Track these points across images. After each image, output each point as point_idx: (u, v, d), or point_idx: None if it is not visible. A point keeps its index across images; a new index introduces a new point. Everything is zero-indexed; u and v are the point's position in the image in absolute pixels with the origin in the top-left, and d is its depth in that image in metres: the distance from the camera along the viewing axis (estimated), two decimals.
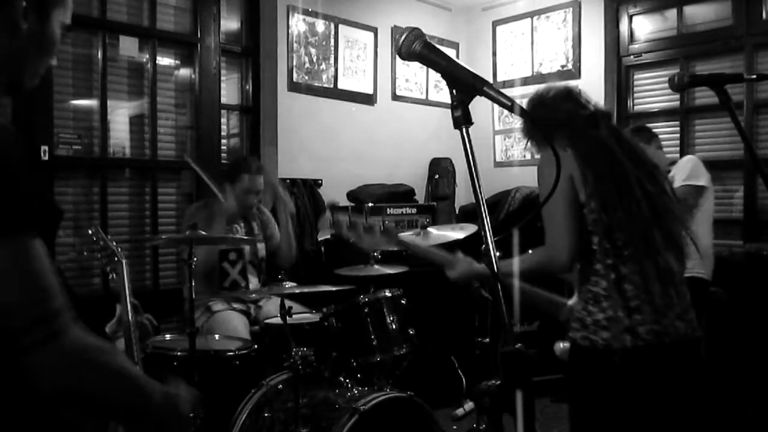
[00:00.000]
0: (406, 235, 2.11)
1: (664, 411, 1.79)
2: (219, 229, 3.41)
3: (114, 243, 2.36)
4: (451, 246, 3.31)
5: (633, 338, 1.75)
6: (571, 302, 2.09)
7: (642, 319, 1.76)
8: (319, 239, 4.48)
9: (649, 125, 4.82)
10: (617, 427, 1.80)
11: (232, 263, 3.53)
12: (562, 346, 2.19)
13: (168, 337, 3.01)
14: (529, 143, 2.13)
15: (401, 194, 4.86)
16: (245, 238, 3.53)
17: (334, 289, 2.84)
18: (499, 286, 1.07)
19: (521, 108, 1.10)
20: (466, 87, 1.11)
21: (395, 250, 2.21)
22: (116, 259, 2.29)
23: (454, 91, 1.12)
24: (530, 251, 1.88)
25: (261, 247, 3.67)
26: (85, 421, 1.09)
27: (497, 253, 1.08)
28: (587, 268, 1.86)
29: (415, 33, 1.16)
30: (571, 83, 5.20)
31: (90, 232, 2.40)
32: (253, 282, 3.58)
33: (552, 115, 2.01)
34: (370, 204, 4.34)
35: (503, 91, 1.12)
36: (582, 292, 1.88)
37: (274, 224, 3.79)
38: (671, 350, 1.79)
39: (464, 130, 1.10)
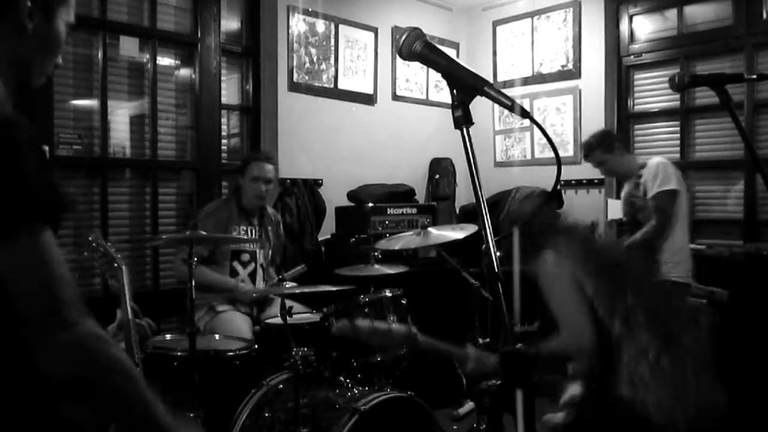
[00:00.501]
0: (422, 336, 2.16)
1: None
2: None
3: (113, 249, 2.37)
4: (452, 247, 3.31)
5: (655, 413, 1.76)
6: (573, 391, 2.14)
7: (658, 399, 1.78)
8: (320, 239, 4.49)
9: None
10: None
11: (244, 264, 3.53)
12: (552, 419, 2.21)
13: (168, 337, 3.01)
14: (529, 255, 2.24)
15: (401, 194, 4.86)
16: (244, 238, 3.53)
17: (334, 289, 2.84)
18: (500, 286, 1.07)
19: (522, 109, 1.10)
20: (466, 87, 1.11)
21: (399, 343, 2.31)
22: (116, 265, 2.30)
23: (454, 91, 1.12)
24: (552, 339, 1.94)
25: (265, 253, 3.66)
26: (87, 422, 1.09)
27: (497, 253, 1.08)
28: (609, 361, 1.89)
29: (416, 33, 1.16)
30: (572, 83, 5.25)
31: (90, 238, 2.41)
32: (261, 286, 3.58)
33: (541, 227, 2.20)
34: (370, 204, 4.35)
35: (503, 91, 1.13)
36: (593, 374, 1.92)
37: (280, 243, 3.80)
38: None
39: (465, 130, 1.10)
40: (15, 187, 0.96)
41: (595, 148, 3.84)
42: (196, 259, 2.67)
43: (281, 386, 2.64)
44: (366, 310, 2.73)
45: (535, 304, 2.13)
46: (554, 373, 2.15)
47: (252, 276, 3.55)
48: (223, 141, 4.35)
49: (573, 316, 1.88)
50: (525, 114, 1.12)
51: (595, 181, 4.84)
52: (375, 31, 5.09)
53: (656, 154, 4.74)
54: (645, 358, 1.80)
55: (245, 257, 3.53)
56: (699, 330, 1.97)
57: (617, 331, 1.84)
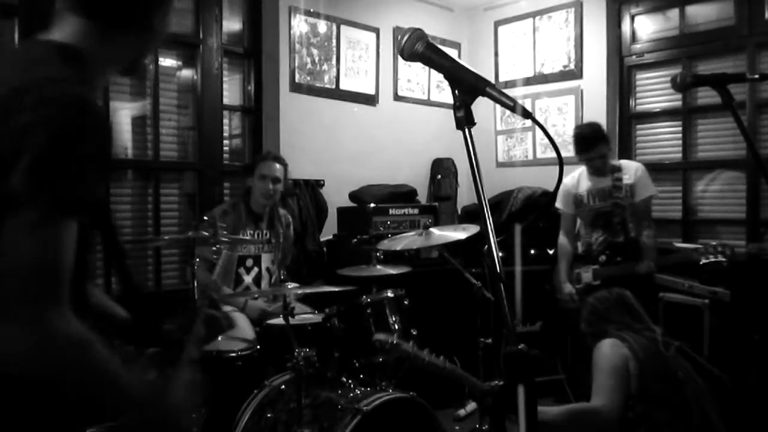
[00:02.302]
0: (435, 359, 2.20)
1: None
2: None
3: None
4: (454, 248, 3.31)
5: None
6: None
7: None
8: (321, 240, 4.49)
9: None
10: None
11: (248, 270, 3.53)
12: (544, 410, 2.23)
13: None
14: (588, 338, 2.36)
15: (403, 195, 4.86)
16: (245, 239, 3.52)
17: (336, 289, 2.85)
18: (502, 287, 1.07)
19: (524, 109, 1.10)
20: (468, 87, 1.11)
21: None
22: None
23: (456, 91, 1.12)
24: (581, 405, 2.02)
25: (275, 256, 3.65)
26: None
27: (500, 254, 1.08)
28: None
29: (418, 34, 1.16)
30: (573, 83, 5.24)
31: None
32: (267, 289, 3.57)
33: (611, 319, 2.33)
34: (372, 204, 4.34)
35: (505, 91, 1.12)
36: None
37: (290, 245, 3.79)
38: None
39: (467, 130, 1.10)
40: (56, 167, 0.97)
41: (603, 139, 3.81)
42: (198, 260, 2.67)
43: (283, 387, 2.64)
44: (368, 311, 2.73)
45: (537, 304, 2.16)
46: None
47: (257, 280, 3.54)
48: (225, 142, 4.35)
49: (610, 397, 1.94)
50: (527, 114, 1.12)
51: None
52: (376, 31, 5.09)
53: (658, 154, 4.75)
54: None
55: (249, 262, 3.53)
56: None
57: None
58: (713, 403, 2.08)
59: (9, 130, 0.98)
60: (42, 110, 0.99)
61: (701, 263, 3.45)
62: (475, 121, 1.11)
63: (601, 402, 1.96)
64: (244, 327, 3.28)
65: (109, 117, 1.17)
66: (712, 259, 3.41)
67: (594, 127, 3.91)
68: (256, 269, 3.55)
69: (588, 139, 3.82)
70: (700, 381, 2.14)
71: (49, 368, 0.97)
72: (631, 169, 3.82)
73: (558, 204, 3.98)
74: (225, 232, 3.05)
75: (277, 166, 3.56)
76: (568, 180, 3.96)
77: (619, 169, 3.82)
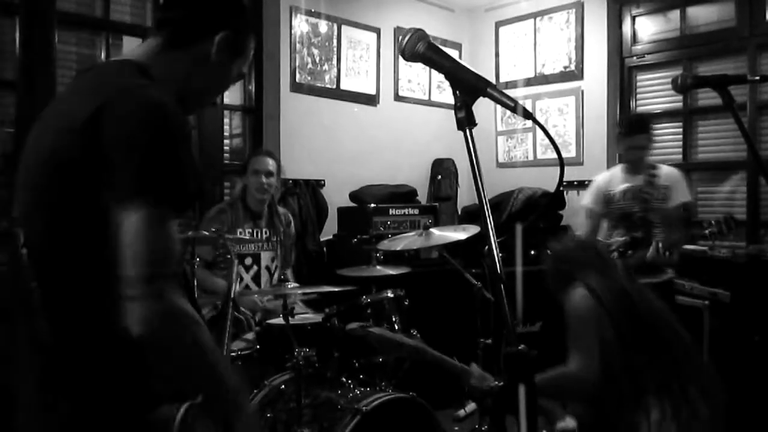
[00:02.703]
0: (432, 351, 2.21)
1: None
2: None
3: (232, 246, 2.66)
4: (454, 248, 3.31)
5: None
6: (569, 426, 2.16)
7: None
8: (321, 240, 4.49)
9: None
10: None
11: (247, 268, 3.53)
12: (562, 427, 2.23)
13: None
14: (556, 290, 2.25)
15: (403, 195, 4.86)
16: (246, 238, 3.51)
17: (336, 289, 2.84)
18: (502, 287, 1.07)
19: (524, 110, 1.10)
20: (469, 88, 1.11)
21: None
22: (228, 257, 2.42)
23: (457, 92, 1.12)
24: (558, 371, 1.96)
25: (275, 254, 3.65)
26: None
27: (500, 254, 1.08)
28: (616, 410, 1.89)
29: (419, 34, 1.16)
30: (574, 84, 5.24)
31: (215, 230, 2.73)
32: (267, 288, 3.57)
33: (574, 266, 2.21)
34: (372, 204, 4.35)
35: (506, 92, 1.12)
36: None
37: (293, 246, 3.78)
38: None
39: (468, 131, 1.10)
40: (163, 167, 1.09)
41: (647, 131, 3.63)
42: (198, 259, 2.67)
43: (283, 387, 2.64)
44: (368, 311, 2.73)
45: (537, 304, 2.15)
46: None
47: (256, 279, 3.54)
48: (226, 141, 4.36)
49: (586, 354, 1.90)
50: (527, 115, 1.12)
51: None
52: (377, 31, 5.09)
53: (659, 155, 4.75)
54: (647, 421, 1.83)
55: (248, 261, 3.52)
56: (718, 393, 2.00)
57: (624, 389, 1.86)
58: (686, 333, 2.05)
59: (110, 135, 1.09)
60: (137, 114, 1.10)
61: (706, 232, 3.33)
62: (476, 121, 1.11)
63: (578, 365, 1.92)
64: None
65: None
66: (715, 230, 3.30)
67: (643, 117, 3.80)
68: (255, 267, 3.55)
69: (633, 124, 3.67)
70: (670, 313, 2.08)
71: (164, 337, 1.08)
72: (668, 172, 3.65)
73: (586, 201, 3.84)
74: (218, 232, 3.05)
75: (269, 160, 3.56)
76: (600, 178, 3.83)
77: (655, 169, 3.65)
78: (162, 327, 1.07)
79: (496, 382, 2.03)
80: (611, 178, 3.78)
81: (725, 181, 4.50)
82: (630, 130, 3.63)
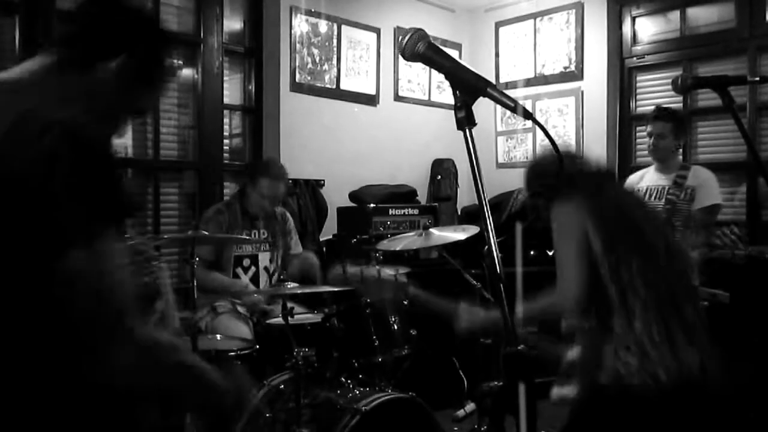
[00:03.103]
0: (414, 288, 2.18)
1: None
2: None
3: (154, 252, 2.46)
4: (453, 248, 3.31)
5: (655, 380, 1.76)
6: (571, 354, 2.12)
7: (662, 360, 1.78)
8: (321, 240, 4.48)
9: None
10: None
11: (245, 269, 3.52)
12: (557, 391, 2.20)
13: None
14: (538, 207, 2.20)
15: (403, 195, 4.86)
16: (247, 238, 3.51)
17: (335, 289, 2.84)
18: (502, 287, 1.07)
19: (524, 110, 1.10)
20: (469, 88, 1.11)
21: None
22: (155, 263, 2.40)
23: (457, 92, 1.12)
24: (544, 295, 1.93)
25: (273, 255, 3.64)
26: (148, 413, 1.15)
27: (500, 255, 1.08)
28: (607, 320, 1.87)
29: (419, 34, 1.16)
30: (574, 85, 5.24)
31: (133, 242, 2.55)
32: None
33: (560, 181, 2.09)
34: (372, 204, 4.34)
35: (506, 92, 1.12)
36: (596, 340, 1.90)
37: (296, 238, 3.77)
38: (692, 390, 1.79)
39: (468, 131, 1.10)
40: (87, 188, 0.98)
41: (667, 119, 3.51)
42: (198, 260, 2.67)
43: (282, 386, 2.64)
44: (368, 311, 2.73)
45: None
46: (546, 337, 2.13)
47: (254, 281, 3.53)
48: (225, 141, 4.35)
49: (572, 269, 1.86)
50: (528, 115, 1.12)
51: None
52: (377, 31, 5.09)
53: None
54: (635, 326, 1.80)
55: (246, 262, 3.51)
56: (698, 300, 1.98)
57: (613, 296, 1.83)
58: (673, 234, 2.02)
59: (21, 160, 0.97)
60: (50, 139, 0.97)
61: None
62: (476, 121, 1.11)
63: (564, 294, 1.87)
64: (243, 327, 3.28)
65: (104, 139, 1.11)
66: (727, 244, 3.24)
67: (668, 107, 3.66)
68: (253, 269, 3.54)
69: (656, 110, 3.59)
70: (656, 214, 2.05)
71: (151, 373, 1.03)
72: (698, 173, 3.53)
73: None
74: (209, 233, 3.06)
75: (281, 186, 3.51)
76: (633, 176, 3.78)
77: (686, 168, 3.56)
78: (142, 365, 1.00)
79: (486, 318, 2.00)
80: (643, 175, 3.70)
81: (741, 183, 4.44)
82: (652, 117, 3.55)
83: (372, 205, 4.34)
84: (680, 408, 1.78)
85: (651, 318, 1.80)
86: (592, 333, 1.91)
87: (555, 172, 2.10)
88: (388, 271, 2.08)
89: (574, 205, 1.93)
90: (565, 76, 5.16)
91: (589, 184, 2.04)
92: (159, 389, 1.06)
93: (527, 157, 5.37)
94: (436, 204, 4.91)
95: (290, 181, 4.36)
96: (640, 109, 4.89)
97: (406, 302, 2.23)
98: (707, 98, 4.54)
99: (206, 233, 2.97)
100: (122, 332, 0.98)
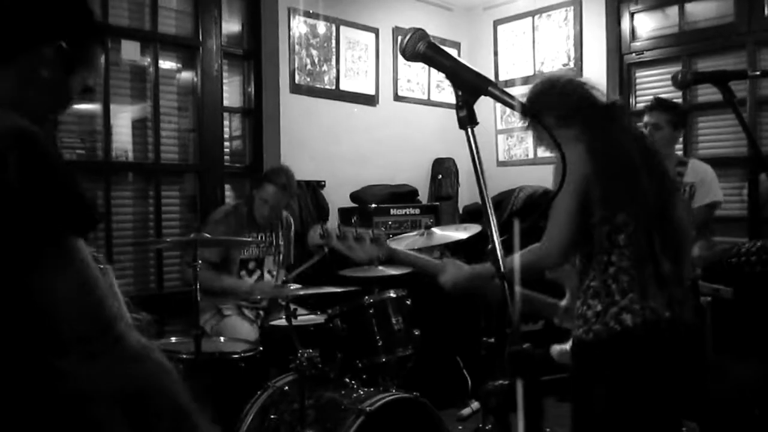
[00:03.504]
0: (395, 245, 2.12)
1: (670, 391, 1.79)
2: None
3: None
4: (455, 247, 3.31)
5: (633, 317, 1.77)
6: (563, 303, 2.09)
7: (636, 301, 1.78)
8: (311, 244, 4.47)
9: None
10: (626, 418, 1.80)
11: (250, 272, 3.53)
12: (559, 348, 2.19)
13: (173, 339, 3.01)
14: (535, 138, 2.11)
15: (404, 195, 4.86)
16: (249, 240, 3.51)
17: (338, 290, 2.85)
18: (506, 286, 1.07)
19: (523, 105, 1.10)
20: (470, 87, 1.11)
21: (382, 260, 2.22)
22: (101, 266, 2.33)
23: (458, 91, 1.12)
24: (528, 248, 1.88)
25: (276, 259, 3.64)
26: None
27: (502, 253, 1.08)
28: (587, 265, 1.86)
29: (419, 33, 1.16)
30: None
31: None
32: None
33: (564, 101, 1.97)
34: (373, 205, 4.34)
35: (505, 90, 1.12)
36: (581, 289, 1.89)
37: (291, 246, 3.78)
38: (670, 329, 1.79)
39: (469, 130, 1.10)
40: (52, 199, 0.94)
41: (662, 109, 3.44)
42: (201, 262, 2.67)
43: (287, 388, 2.65)
44: (371, 311, 2.74)
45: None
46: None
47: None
48: (226, 143, 4.35)
49: (559, 225, 1.82)
50: (529, 113, 1.12)
51: None
52: (376, 32, 5.09)
53: None
54: (607, 273, 1.79)
55: (251, 265, 3.53)
56: (681, 254, 1.90)
57: (596, 245, 1.81)
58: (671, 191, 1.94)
59: None
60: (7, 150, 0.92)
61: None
62: (478, 120, 1.11)
63: (551, 248, 1.83)
64: (247, 329, 3.28)
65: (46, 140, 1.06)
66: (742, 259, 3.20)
67: (668, 100, 3.58)
68: (258, 272, 3.55)
69: (653, 101, 3.54)
70: (661, 167, 1.92)
71: (138, 380, 1.00)
72: (696, 167, 3.48)
73: None
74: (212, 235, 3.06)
75: (285, 197, 3.52)
76: None
77: (684, 164, 3.50)
78: (141, 364, 0.99)
79: (473, 272, 1.95)
80: None
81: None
82: (648, 107, 3.50)
83: (373, 205, 4.34)
84: (645, 350, 1.78)
85: (625, 268, 1.79)
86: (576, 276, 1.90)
87: (562, 94, 1.99)
88: (366, 230, 2.04)
89: (574, 137, 1.82)
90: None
91: (596, 116, 1.93)
92: (145, 392, 1.01)
93: (528, 156, 5.37)
94: (437, 203, 4.91)
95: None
96: (639, 105, 4.88)
97: (382, 259, 2.17)
98: (706, 93, 4.53)
99: (208, 236, 2.97)
100: (105, 343, 0.95)
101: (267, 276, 3.58)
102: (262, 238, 3.55)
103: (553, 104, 1.96)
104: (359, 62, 5.00)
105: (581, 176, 1.81)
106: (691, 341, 1.85)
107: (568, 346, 1.98)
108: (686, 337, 1.82)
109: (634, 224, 1.80)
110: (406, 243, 3.17)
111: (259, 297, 3.42)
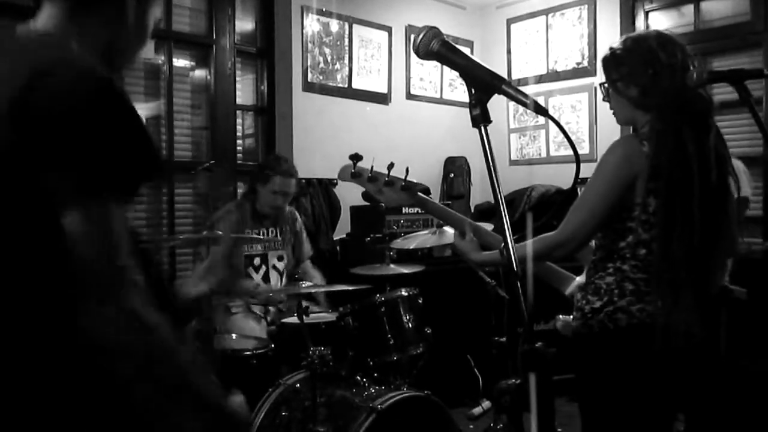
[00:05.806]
0: (425, 197, 2.12)
1: (655, 393, 1.78)
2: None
3: None
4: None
5: (628, 318, 1.75)
6: (579, 279, 2.06)
7: (634, 304, 1.76)
8: (335, 239, 4.49)
9: None
10: (627, 409, 1.79)
11: (256, 268, 3.54)
12: (563, 318, 2.17)
13: None
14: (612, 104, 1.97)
15: None
16: (260, 237, 3.52)
17: (350, 288, 2.85)
18: (518, 285, 1.07)
19: (539, 106, 1.10)
20: (484, 85, 1.11)
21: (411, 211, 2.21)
22: None
23: (472, 89, 1.12)
24: (544, 235, 1.87)
25: (283, 254, 3.65)
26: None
27: (515, 251, 1.08)
28: (598, 264, 1.85)
29: (433, 32, 1.16)
30: (587, 81, 5.20)
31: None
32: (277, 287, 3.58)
33: (650, 74, 1.88)
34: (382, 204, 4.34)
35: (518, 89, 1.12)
36: (586, 282, 1.88)
37: (307, 245, 3.79)
38: (665, 336, 1.74)
39: (483, 128, 1.10)
40: (113, 149, 0.97)
41: None
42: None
43: (298, 385, 2.65)
44: (382, 310, 2.74)
45: (553, 301, 2.09)
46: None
47: (265, 279, 3.55)
48: (238, 141, 4.37)
49: (586, 217, 1.77)
50: (543, 112, 1.12)
51: None
52: (389, 30, 5.09)
53: None
54: (635, 279, 1.77)
55: (256, 261, 3.53)
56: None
57: (621, 249, 1.78)
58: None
59: (47, 116, 0.95)
60: (80, 89, 0.97)
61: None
62: (491, 118, 1.11)
63: (570, 235, 1.79)
64: (256, 326, 3.29)
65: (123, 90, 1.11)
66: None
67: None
68: (264, 268, 3.56)
69: None
70: (724, 189, 1.83)
71: (133, 346, 0.98)
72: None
73: None
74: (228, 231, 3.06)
75: (292, 181, 3.52)
76: None
77: None
78: (132, 325, 0.97)
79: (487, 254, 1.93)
80: None
81: None
82: None
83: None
84: (631, 351, 1.76)
85: (632, 277, 1.77)
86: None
87: (647, 68, 1.89)
88: (398, 177, 2.04)
89: (644, 125, 1.76)
90: (577, 72, 5.13)
91: (675, 107, 1.80)
92: (131, 354, 0.98)
93: (540, 154, 5.35)
94: (449, 202, 4.91)
95: (303, 181, 4.37)
96: None
97: (412, 205, 2.18)
98: (722, 92, 4.49)
99: (220, 233, 2.98)
100: (111, 297, 0.95)
101: (272, 271, 3.59)
102: (264, 234, 3.57)
103: (639, 72, 1.90)
104: (372, 60, 5.00)
105: (630, 175, 1.73)
106: (691, 351, 1.79)
107: (571, 318, 1.97)
108: (685, 346, 1.74)
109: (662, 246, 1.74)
110: (417, 241, 3.17)
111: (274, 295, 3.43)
